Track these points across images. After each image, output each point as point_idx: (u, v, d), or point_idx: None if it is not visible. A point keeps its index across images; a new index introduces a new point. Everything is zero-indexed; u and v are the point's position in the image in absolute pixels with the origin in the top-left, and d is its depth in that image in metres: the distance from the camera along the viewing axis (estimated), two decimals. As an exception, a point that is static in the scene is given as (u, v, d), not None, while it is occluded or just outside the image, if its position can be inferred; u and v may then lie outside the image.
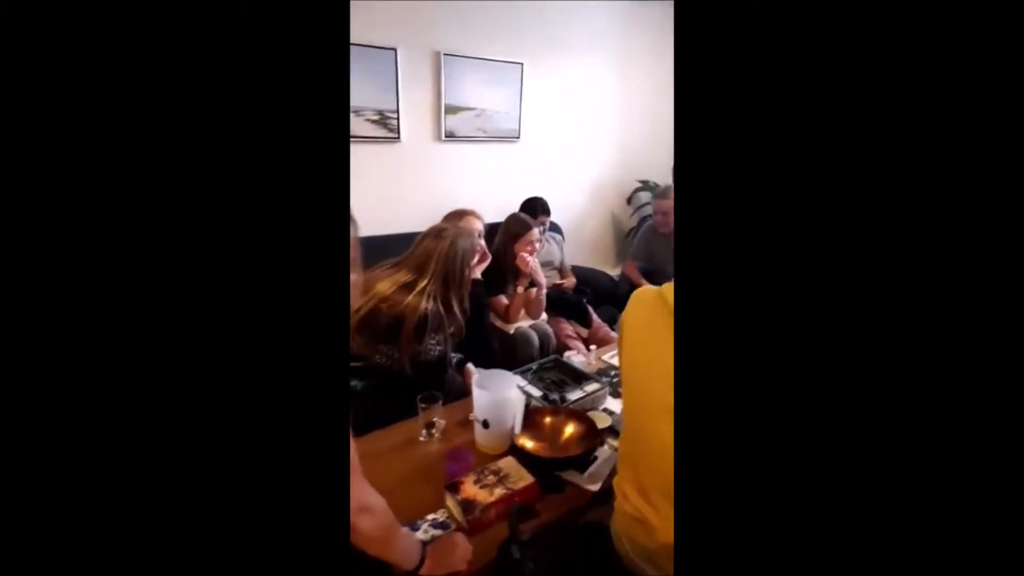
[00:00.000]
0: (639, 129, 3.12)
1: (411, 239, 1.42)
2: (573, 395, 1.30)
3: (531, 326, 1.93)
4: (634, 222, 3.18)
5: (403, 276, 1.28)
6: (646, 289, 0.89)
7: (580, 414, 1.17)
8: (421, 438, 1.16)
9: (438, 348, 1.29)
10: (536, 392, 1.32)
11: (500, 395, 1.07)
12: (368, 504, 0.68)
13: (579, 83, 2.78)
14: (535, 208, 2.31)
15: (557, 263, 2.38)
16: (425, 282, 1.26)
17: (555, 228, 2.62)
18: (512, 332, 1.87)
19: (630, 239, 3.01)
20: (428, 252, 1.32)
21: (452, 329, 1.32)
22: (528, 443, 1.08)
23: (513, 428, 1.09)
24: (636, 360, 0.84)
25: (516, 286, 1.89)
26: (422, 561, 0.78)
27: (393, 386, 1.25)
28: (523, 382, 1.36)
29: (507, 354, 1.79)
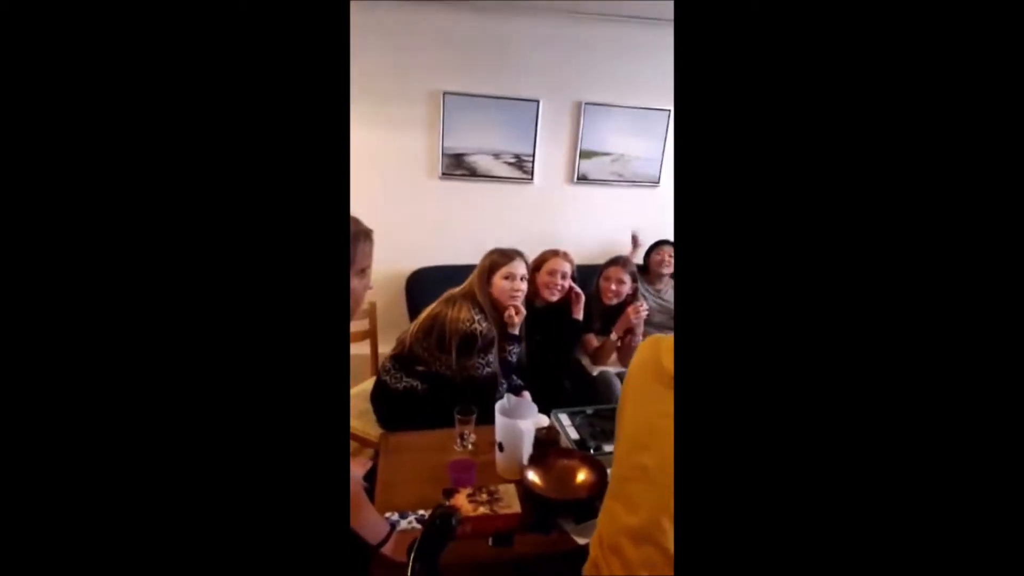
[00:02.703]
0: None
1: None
2: (609, 448, 1.26)
3: (618, 373, 1.89)
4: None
5: (455, 290, 1.47)
6: (652, 338, 0.88)
7: (599, 465, 1.14)
8: (456, 447, 1.28)
9: (487, 369, 1.41)
10: (574, 435, 1.32)
11: (512, 422, 1.13)
12: None
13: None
14: (658, 245, 2.26)
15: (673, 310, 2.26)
16: (459, 292, 1.42)
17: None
18: (595, 374, 1.86)
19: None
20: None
21: (511, 352, 1.43)
22: (532, 476, 1.11)
23: (521, 457, 1.14)
24: (624, 415, 0.84)
25: (612, 330, 1.88)
26: (386, 540, 0.90)
27: (448, 394, 1.41)
28: (566, 421, 1.38)
29: (583, 394, 1.79)
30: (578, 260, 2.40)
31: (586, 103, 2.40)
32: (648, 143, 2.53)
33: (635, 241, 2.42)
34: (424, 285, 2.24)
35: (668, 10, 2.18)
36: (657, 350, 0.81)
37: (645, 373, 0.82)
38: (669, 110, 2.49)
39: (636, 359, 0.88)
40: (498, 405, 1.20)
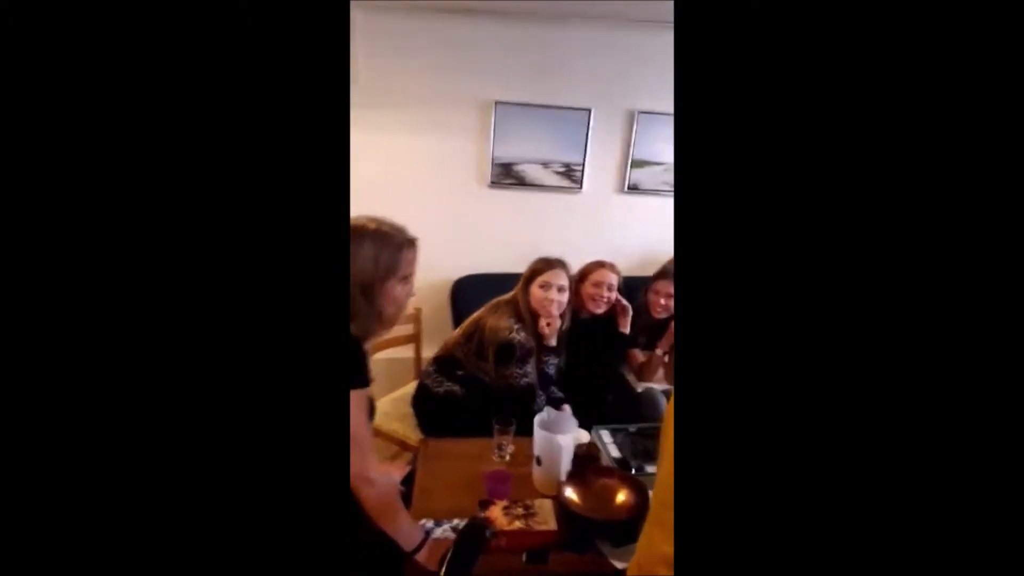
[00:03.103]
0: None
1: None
2: (652, 469, 1.21)
3: (664, 390, 1.81)
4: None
5: (502, 297, 1.46)
6: None
7: (640, 487, 1.09)
8: (494, 457, 1.28)
9: (525, 379, 1.39)
10: (615, 453, 1.28)
11: (551, 436, 1.11)
12: (370, 477, 0.85)
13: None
14: None
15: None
16: (505, 299, 1.41)
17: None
18: (640, 391, 1.80)
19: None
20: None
21: (548, 364, 1.40)
22: (570, 493, 1.08)
23: (559, 473, 1.11)
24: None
25: (657, 345, 1.82)
26: (420, 548, 0.90)
27: (487, 401, 1.41)
28: (608, 438, 1.34)
29: (626, 410, 1.74)
30: (626, 271, 2.35)
31: (639, 111, 2.35)
32: (703, 152, 2.44)
33: None
34: (470, 292, 2.26)
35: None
36: None
37: None
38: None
39: None
40: (537, 418, 1.18)
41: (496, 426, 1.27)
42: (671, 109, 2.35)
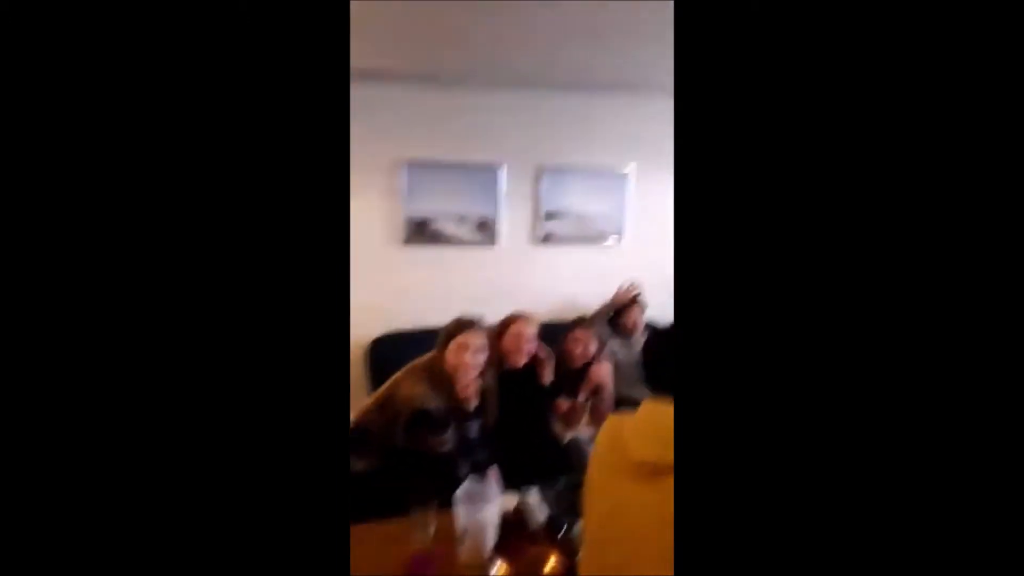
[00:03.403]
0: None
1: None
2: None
3: (590, 437, 1.81)
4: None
5: (418, 361, 1.39)
6: (614, 419, 0.84)
7: (570, 550, 1.05)
8: (415, 538, 1.17)
9: (444, 448, 1.32)
10: (544, 515, 1.23)
11: (474, 509, 1.05)
12: None
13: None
14: (627, 305, 2.26)
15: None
16: (420, 364, 1.34)
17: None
18: (567, 440, 1.79)
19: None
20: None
21: (471, 429, 1.35)
22: (497, 570, 1.01)
23: (484, 548, 1.04)
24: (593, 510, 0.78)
25: (579, 391, 1.83)
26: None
27: (405, 477, 1.31)
28: (535, 499, 1.29)
29: (555, 463, 1.70)
30: (546, 318, 2.38)
31: (547, 167, 2.47)
32: (609, 203, 2.60)
33: (629, 296, 2.35)
34: (390, 350, 2.17)
35: (625, 77, 2.32)
36: (619, 430, 0.76)
37: (607, 458, 0.77)
38: (628, 172, 2.59)
39: (600, 438, 0.84)
40: (459, 491, 1.11)
41: (415, 504, 1.17)
42: (576, 164, 2.51)
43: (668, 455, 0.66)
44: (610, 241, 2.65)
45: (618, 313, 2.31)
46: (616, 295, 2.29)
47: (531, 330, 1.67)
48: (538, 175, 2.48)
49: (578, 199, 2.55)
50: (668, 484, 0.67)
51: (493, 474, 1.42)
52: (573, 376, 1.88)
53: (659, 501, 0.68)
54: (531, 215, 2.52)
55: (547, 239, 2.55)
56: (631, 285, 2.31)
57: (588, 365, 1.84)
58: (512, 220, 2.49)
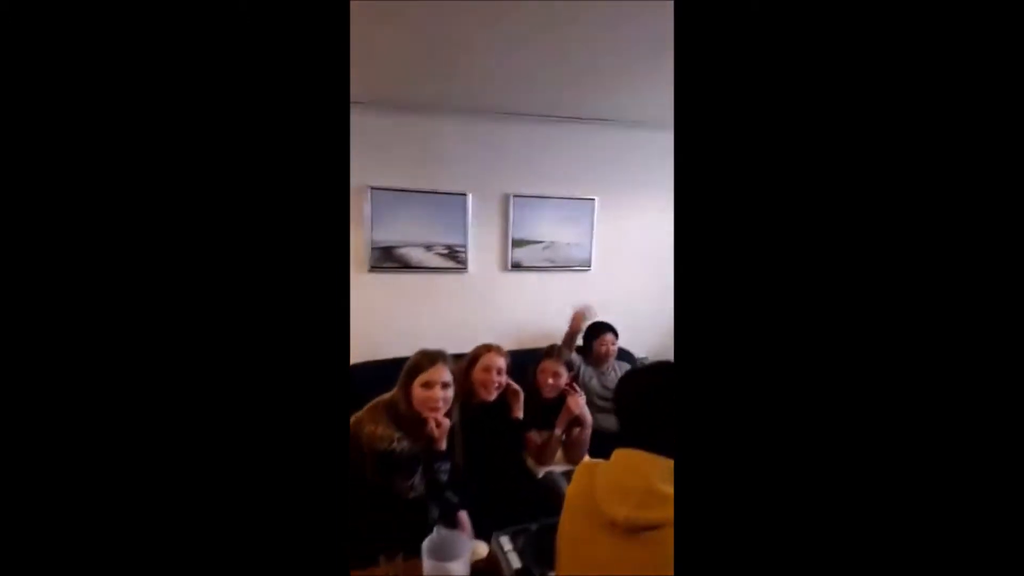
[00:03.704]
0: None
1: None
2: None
3: (565, 472, 1.76)
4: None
5: (381, 398, 1.31)
6: (587, 465, 0.80)
7: (545, 605, 0.99)
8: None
9: (412, 493, 1.24)
10: (516, 563, 1.16)
11: (441, 565, 0.98)
12: None
13: (654, 213, 2.77)
14: (598, 332, 2.25)
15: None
16: (383, 402, 1.27)
17: (625, 356, 2.47)
18: (540, 476, 1.73)
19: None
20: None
21: (440, 471, 1.27)
22: (467, 631, 0.94)
23: (454, 608, 0.97)
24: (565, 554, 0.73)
25: (554, 424, 1.78)
26: None
27: (369, 525, 1.22)
28: (508, 545, 1.22)
29: (529, 501, 1.64)
30: (515, 345, 2.33)
31: (514, 195, 2.47)
32: (577, 230, 2.61)
33: (582, 321, 2.34)
34: (355, 381, 2.06)
35: (590, 110, 2.36)
36: (591, 482, 0.72)
37: (579, 511, 0.73)
38: (594, 199, 2.61)
39: (571, 489, 0.80)
40: (426, 543, 1.04)
41: (381, 556, 1.09)
42: (543, 192, 2.52)
43: (643, 515, 0.63)
44: (578, 267, 2.66)
45: (589, 340, 2.29)
46: (572, 321, 2.26)
47: (501, 362, 1.62)
48: (505, 202, 2.47)
49: (546, 226, 2.55)
50: (644, 540, 0.63)
51: (463, 520, 1.35)
52: (546, 408, 1.84)
53: (635, 557, 0.64)
54: (499, 242, 2.50)
55: (516, 266, 2.53)
56: (584, 308, 2.28)
57: (563, 397, 1.80)
58: (480, 247, 2.46)
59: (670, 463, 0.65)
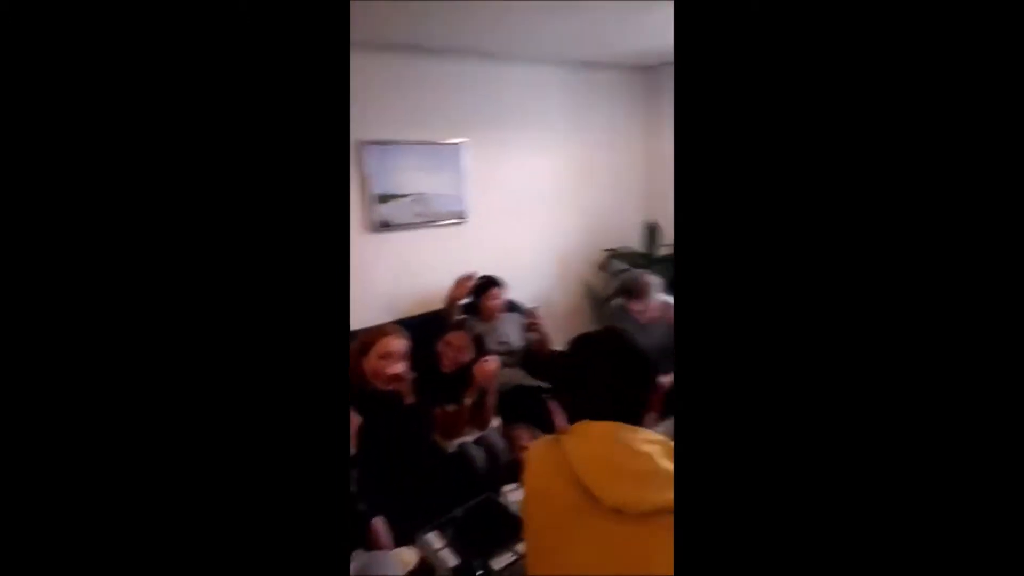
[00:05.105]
0: (605, 195, 2.99)
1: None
2: (501, 561, 0.99)
3: (477, 440, 1.63)
4: (611, 290, 2.95)
5: None
6: (539, 444, 0.67)
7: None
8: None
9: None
10: (452, 560, 1.01)
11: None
12: None
13: (531, 154, 2.67)
14: (485, 287, 2.11)
15: (515, 346, 2.13)
16: None
17: (513, 307, 2.39)
18: (450, 451, 1.57)
19: (609, 306, 2.75)
20: None
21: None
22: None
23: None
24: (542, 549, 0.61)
25: (463, 396, 1.60)
26: None
27: None
28: (437, 543, 1.06)
29: (444, 480, 1.48)
30: (389, 316, 2.09)
31: (366, 142, 2.12)
32: (446, 178, 2.38)
33: (466, 288, 2.15)
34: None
35: (450, 40, 2.08)
36: (562, 463, 0.60)
37: (554, 499, 0.62)
38: (460, 143, 2.39)
39: (532, 473, 0.66)
40: (352, 568, 0.81)
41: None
42: (403, 137, 2.21)
43: (653, 497, 0.53)
44: (454, 219, 2.45)
45: (477, 296, 2.14)
46: (455, 288, 2.09)
47: (401, 346, 1.37)
48: (359, 151, 2.12)
49: (412, 177, 2.27)
50: (653, 526, 0.53)
51: (379, 531, 1.13)
52: (450, 381, 1.65)
53: (641, 545, 0.53)
54: (357, 198, 2.16)
55: (385, 225, 2.22)
56: (467, 276, 2.11)
57: (467, 366, 1.62)
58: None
59: (660, 438, 0.60)
